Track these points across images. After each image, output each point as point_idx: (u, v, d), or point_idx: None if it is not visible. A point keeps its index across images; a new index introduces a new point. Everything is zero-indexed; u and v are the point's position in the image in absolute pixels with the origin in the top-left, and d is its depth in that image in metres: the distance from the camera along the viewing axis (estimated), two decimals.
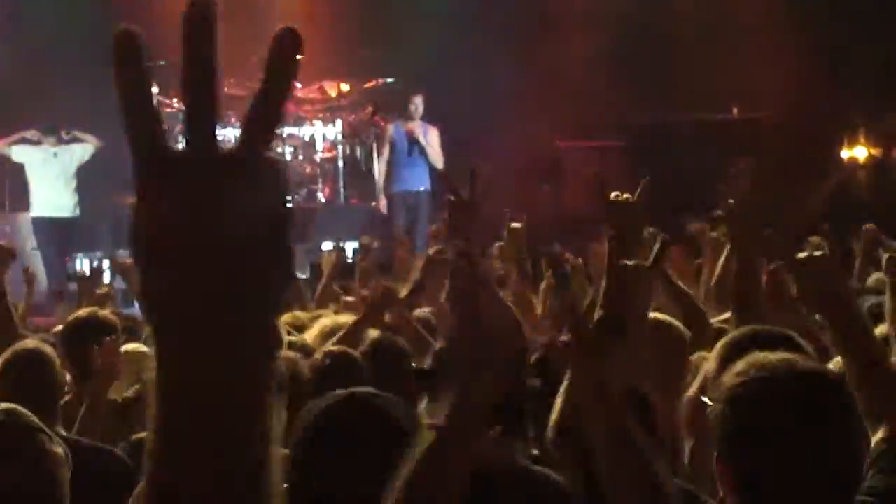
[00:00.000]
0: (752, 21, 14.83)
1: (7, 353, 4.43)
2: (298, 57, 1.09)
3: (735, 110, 15.01)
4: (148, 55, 1.06)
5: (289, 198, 1.10)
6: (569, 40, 15.41)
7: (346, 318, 5.67)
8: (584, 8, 15.66)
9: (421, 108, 13.15)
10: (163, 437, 1.04)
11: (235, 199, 1.04)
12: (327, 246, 14.19)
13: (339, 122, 15.29)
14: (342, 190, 15.21)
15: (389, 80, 15.13)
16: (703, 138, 14.55)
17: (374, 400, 2.76)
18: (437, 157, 13.09)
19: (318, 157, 15.29)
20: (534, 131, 15.17)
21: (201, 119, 1.06)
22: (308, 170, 15.28)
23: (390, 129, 13.26)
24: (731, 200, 4.32)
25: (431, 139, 13.15)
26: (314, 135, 15.34)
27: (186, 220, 1.03)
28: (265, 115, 1.07)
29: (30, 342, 4.69)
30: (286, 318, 5.78)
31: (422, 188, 13.11)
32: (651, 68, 15.35)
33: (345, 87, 15.45)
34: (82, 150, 13.96)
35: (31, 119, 14.09)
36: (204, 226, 1.03)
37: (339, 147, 15.26)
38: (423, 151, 13.05)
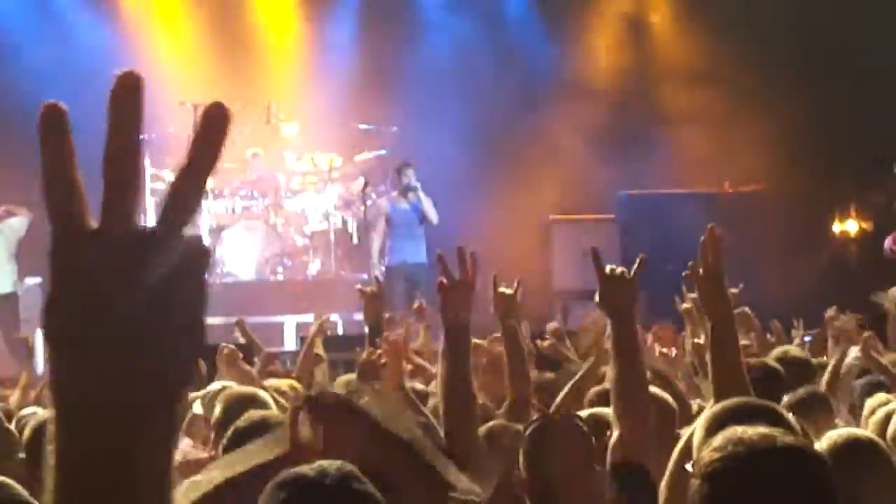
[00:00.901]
0: (742, 99, 14.95)
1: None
2: (226, 133, 1.07)
3: (726, 184, 15.05)
4: (69, 129, 1.03)
5: (206, 277, 1.08)
6: (561, 115, 15.51)
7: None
8: (577, 84, 15.80)
9: (413, 180, 13.15)
10: None
11: (148, 277, 1.02)
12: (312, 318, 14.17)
13: (330, 195, 15.28)
14: (333, 262, 15.16)
15: (381, 152, 15.16)
16: (695, 212, 14.54)
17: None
18: (432, 214, 13.24)
19: (309, 229, 15.27)
20: (525, 204, 15.22)
21: (120, 195, 1.04)
22: (300, 242, 15.26)
23: (384, 203, 13.28)
24: (700, 268, 4.30)
25: (426, 207, 13.30)
26: (305, 207, 15.33)
27: (94, 299, 1.01)
28: (187, 193, 1.06)
29: None
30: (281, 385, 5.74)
31: (419, 260, 13.11)
32: (643, 143, 15.45)
33: (336, 161, 15.45)
34: (19, 224, 13.68)
35: None
36: (112, 304, 1.01)
37: (331, 219, 15.23)
38: (421, 222, 13.11)
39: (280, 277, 14.85)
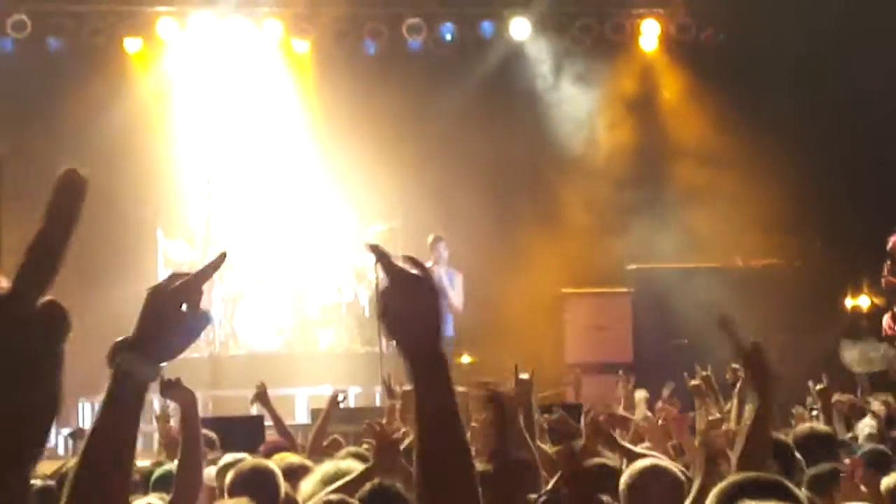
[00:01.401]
0: (754, 174, 15.00)
1: None
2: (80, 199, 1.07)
3: (738, 259, 15.06)
4: None
5: (59, 339, 1.07)
6: (572, 189, 15.57)
7: (350, 465, 5.60)
8: (587, 159, 15.88)
9: (445, 255, 13.23)
10: None
11: (7, 346, 1.02)
12: (330, 391, 14.15)
13: (343, 266, 15.29)
14: (345, 334, 15.15)
15: (392, 224, 15.17)
16: (707, 286, 14.55)
17: None
18: (459, 302, 13.15)
19: (321, 301, 15.28)
20: (537, 278, 15.24)
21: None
22: (312, 314, 15.26)
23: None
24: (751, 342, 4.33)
25: (456, 284, 13.23)
26: (318, 279, 15.34)
27: None
28: (44, 257, 1.05)
29: None
30: (280, 462, 5.72)
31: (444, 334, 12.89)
32: (655, 217, 15.49)
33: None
34: None
35: None
36: None
37: (343, 292, 15.24)
38: (445, 297, 12.96)
39: (292, 350, 14.83)
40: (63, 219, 1.05)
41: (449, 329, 12.75)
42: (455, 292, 13.12)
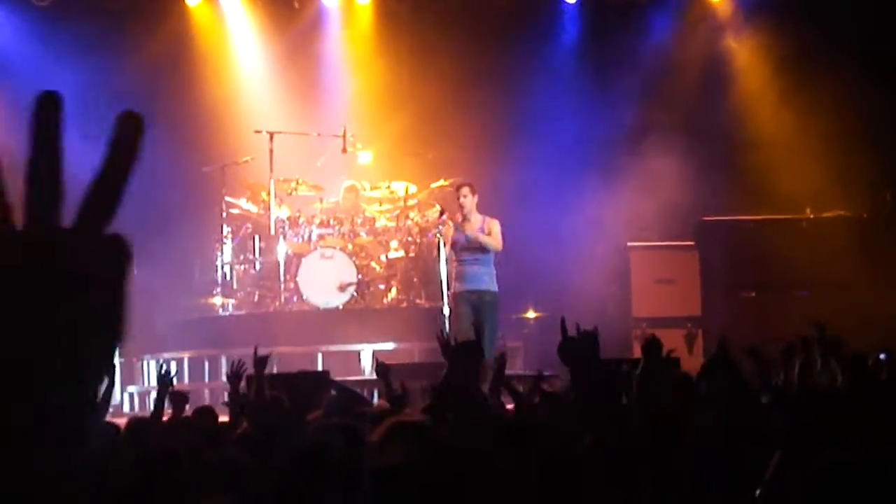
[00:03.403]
0: (826, 124, 14.77)
1: None
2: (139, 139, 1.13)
3: (808, 210, 14.81)
4: None
5: (125, 272, 1.12)
6: (640, 141, 15.40)
7: None
8: (657, 112, 15.68)
9: (471, 198, 12.56)
10: None
11: (67, 272, 1.07)
12: (394, 346, 14.14)
13: (407, 223, 15.25)
14: (410, 290, 15.12)
15: (455, 179, 15.07)
16: (775, 238, 14.35)
17: None
18: (496, 243, 12.55)
19: (385, 257, 15.24)
20: (604, 230, 15.13)
21: (42, 198, 1.10)
22: (377, 270, 15.24)
23: (450, 228, 12.72)
24: None
25: (493, 229, 12.65)
26: (382, 235, 15.31)
27: (11, 294, 1.07)
28: (105, 195, 1.10)
29: None
30: None
31: (486, 287, 12.56)
32: (723, 169, 15.30)
33: (412, 188, 15.42)
34: None
35: None
36: (25, 301, 1.06)
37: (408, 247, 15.20)
38: (484, 250, 12.52)
39: (356, 305, 14.82)
40: (123, 156, 1.11)
41: (492, 283, 12.49)
42: (492, 237, 12.60)
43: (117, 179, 1.11)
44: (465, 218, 12.48)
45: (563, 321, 5.58)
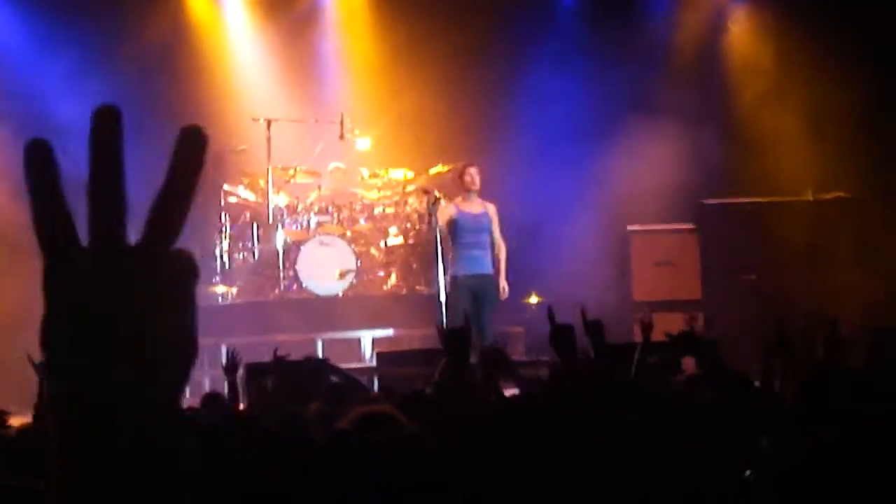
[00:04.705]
0: (825, 106, 14.72)
1: None
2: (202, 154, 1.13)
3: (809, 192, 14.75)
4: (55, 161, 1.10)
5: (194, 289, 1.14)
6: (641, 123, 15.35)
7: None
8: (656, 93, 15.63)
9: (477, 180, 12.47)
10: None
11: (139, 291, 1.07)
12: (394, 333, 14.11)
13: (406, 209, 15.23)
14: (409, 277, 15.10)
15: (454, 165, 15.03)
16: (776, 220, 14.31)
17: None
18: (499, 240, 12.48)
19: (384, 243, 15.22)
20: (603, 214, 15.10)
21: (105, 216, 1.10)
22: (376, 256, 15.22)
23: (451, 209, 12.56)
24: None
25: (492, 216, 12.57)
26: (381, 222, 15.28)
27: (86, 316, 1.07)
28: (171, 210, 1.11)
29: None
30: None
31: (485, 271, 12.50)
32: (723, 151, 15.26)
33: (410, 174, 15.38)
34: None
35: None
36: (103, 319, 1.07)
37: (407, 233, 15.18)
38: (487, 231, 12.41)
39: (355, 292, 14.79)
40: (188, 170, 1.12)
41: (489, 266, 12.37)
42: (496, 226, 12.53)
43: (183, 194, 1.12)
44: (465, 199, 12.39)
45: (549, 309, 5.61)
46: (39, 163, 1.10)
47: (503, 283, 12.33)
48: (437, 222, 12.52)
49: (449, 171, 14.89)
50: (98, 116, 1.10)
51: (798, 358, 5.10)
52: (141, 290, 1.09)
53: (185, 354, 1.12)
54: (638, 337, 13.19)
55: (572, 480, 3.00)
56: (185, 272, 1.13)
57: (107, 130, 1.10)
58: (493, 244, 12.45)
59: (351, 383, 7.33)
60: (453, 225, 12.30)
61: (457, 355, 5.09)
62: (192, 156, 1.13)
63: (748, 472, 3.03)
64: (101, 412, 1.07)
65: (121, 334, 1.07)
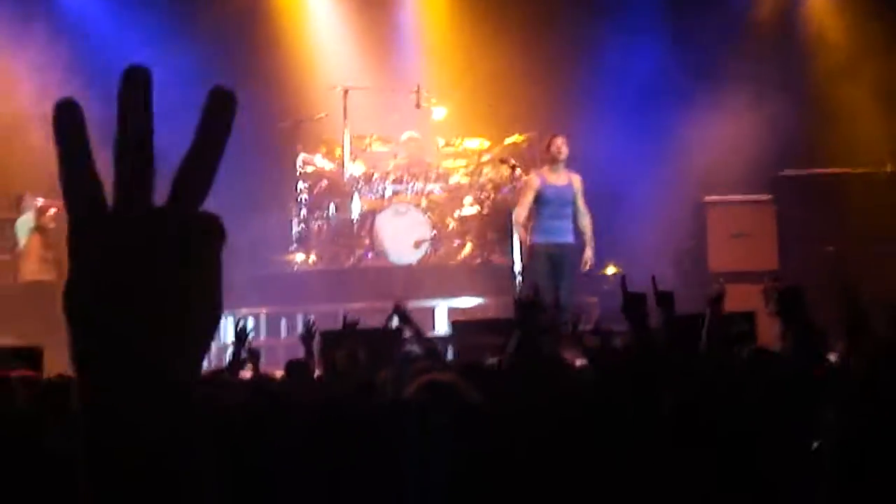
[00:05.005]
0: None
1: None
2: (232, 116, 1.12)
3: (888, 164, 14.56)
4: (83, 122, 1.11)
5: (220, 252, 1.13)
6: (718, 93, 15.24)
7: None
8: (734, 64, 15.49)
9: (565, 150, 12.34)
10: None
11: (163, 254, 1.08)
12: (469, 302, 14.15)
13: (481, 179, 15.24)
14: (484, 246, 15.12)
15: (530, 134, 15.02)
16: (855, 191, 14.17)
17: None
18: (584, 210, 12.45)
19: (459, 213, 15.25)
20: (680, 185, 15.02)
21: (133, 179, 1.10)
22: (451, 226, 15.25)
23: (535, 178, 12.50)
24: None
25: (577, 187, 12.58)
26: (456, 191, 15.31)
27: (112, 278, 1.08)
28: (198, 173, 1.10)
29: None
30: None
31: (567, 241, 12.49)
32: (802, 122, 15.11)
33: (486, 143, 15.39)
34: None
35: None
36: (129, 282, 1.08)
37: (482, 203, 15.19)
38: (571, 203, 12.34)
39: (430, 261, 14.85)
40: (215, 133, 1.11)
41: (571, 235, 12.30)
42: (581, 196, 12.47)
43: (210, 157, 1.11)
44: (551, 169, 12.33)
45: (623, 279, 5.58)
46: (69, 124, 1.11)
47: (588, 254, 12.28)
48: (525, 191, 12.45)
49: (525, 140, 14.90)
50: (127, 78, 1.10)
51: (870, 334, 5.07)
52: (165, 253, 1.08)
53: (208, 318, 1.11)
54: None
55: (629, 457, 3.02)
56: (211, 235, 1.11)
57: (136, 92, 1.10)
58: (576, 215, 12.37)
59: (427, 351, 7.37)
60: (538, 196, 12.24)
61: (527, 326, 5.10)
62: (221, 118, 1.12)
63: (815, 444, 3.03)
64: (124, 371, 1.07)
65: (144, 296, 1.07)
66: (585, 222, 12.39)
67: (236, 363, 7.15)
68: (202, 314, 1.11)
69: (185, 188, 1.10)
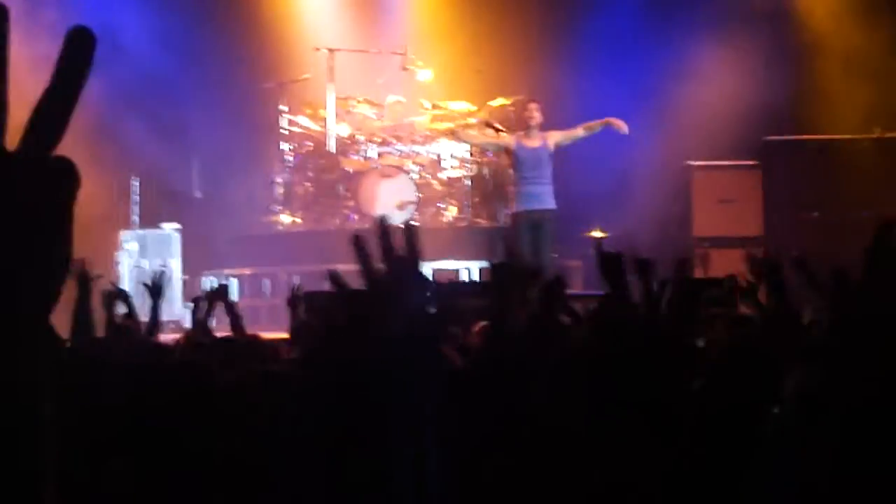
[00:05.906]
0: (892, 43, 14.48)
1: None
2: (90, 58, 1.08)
3: (877, 130, 14.53)
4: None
5: (72, 195, 1.09)
6: (701, 58, 15.19)
7: None
8: (722, 28, 15.41)
9: (537, 116, 12.33)
10: None
11: (10, 197, 1.04)
12: (453, 265, 14.13)
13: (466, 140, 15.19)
14: (469, 209, 15.09)
15: (515, 98, 14.97)
16: (841, 157, 14.16)
17: None
18: (575, 130, 12.41)
19: (445, 175, 15.21)
20: (664, 150, 14.98)
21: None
22: (437, 188, 15.22)
23: (511, 137, 12.54)
24: None
25: (552, 141, 12.29)
26: (441, 154, 15.27)
27: None
28: (53, 116, 1.07)
29: None
30: None
31: (547, 206, 12.46)
32: (787, 87, 15.06)
33: (471, 107, 15.34)
34: None
35: None
36: None
37: (467, 166, 15.16)
38: (549, 164, 12.32)
39: (416, 224, 14.81)
40: (72, 74, 1.07)
41: (552, 201, 12.30)
42: (563, 135, 12.45)
43: (65, 100, 1.07)
44: (526, 134, 12.33)
45: (598, 242, 5.53)
46: None
47: (615, 121, 12.37)
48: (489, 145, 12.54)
49: (511, 104, 14.84)
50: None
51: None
52: (14, 196, 1.05)
53: (57, 259, 1.08)
54: (698, 273, 13.13)
55: (582, 434, 2.99)
56: (64, 178, 1.07)
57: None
58: (554, 178, 12.35)
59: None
60: (514, 160, 12.28)
61: (502, 291, 5.00)
62: (78, 58, 1.08)
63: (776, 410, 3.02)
64: None
65: None
66: (583, 128, 12.40)
67: (199, 320, 6.98)
68: (50, 255, 1.07)
69: (39, 129, 1.07)
